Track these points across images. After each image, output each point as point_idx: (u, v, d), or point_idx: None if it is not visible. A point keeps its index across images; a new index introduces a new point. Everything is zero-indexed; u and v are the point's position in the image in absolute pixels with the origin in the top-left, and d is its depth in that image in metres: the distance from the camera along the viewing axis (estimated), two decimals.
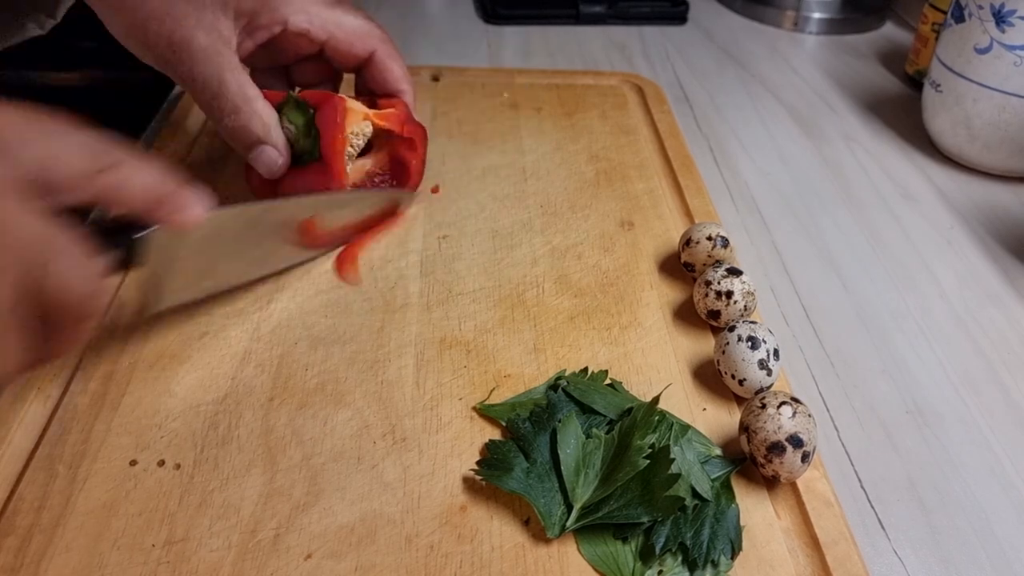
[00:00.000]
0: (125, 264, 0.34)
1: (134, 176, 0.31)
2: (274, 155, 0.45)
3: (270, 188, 0.46)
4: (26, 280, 0.27)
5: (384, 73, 0.49)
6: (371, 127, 0.47)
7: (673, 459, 0.33)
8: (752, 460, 0.35)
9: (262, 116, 0.44)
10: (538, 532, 0.33)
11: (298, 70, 0.50)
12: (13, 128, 0.28)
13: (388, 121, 0.48)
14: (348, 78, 0.52)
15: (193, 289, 0.41)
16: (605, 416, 0.37)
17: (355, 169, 0.48)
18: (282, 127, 0.45)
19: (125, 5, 0.42)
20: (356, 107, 0.46)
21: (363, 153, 0.49)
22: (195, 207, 0.34)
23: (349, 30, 0.47)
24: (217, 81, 0.42)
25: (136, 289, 0.37)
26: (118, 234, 0.33)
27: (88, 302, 0.29)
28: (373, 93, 0.50)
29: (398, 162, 0.50)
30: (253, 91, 0.44)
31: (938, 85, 0.61)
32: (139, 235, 0.34)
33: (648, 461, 0.33)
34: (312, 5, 0.46)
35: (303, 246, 0.46)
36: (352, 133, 0.46)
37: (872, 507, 0.37)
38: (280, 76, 0.51)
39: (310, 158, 0.46)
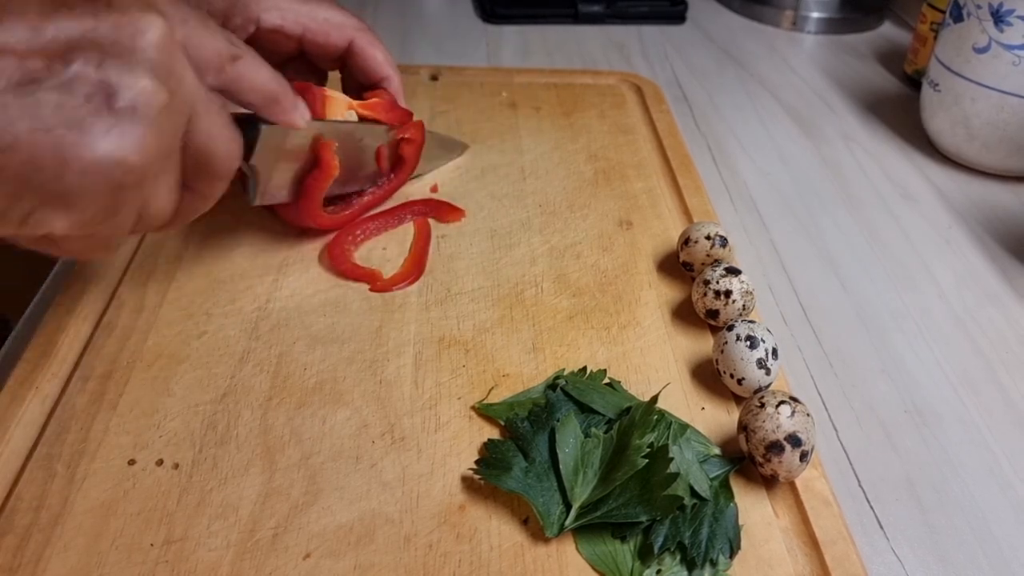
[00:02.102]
0: (244, 154, 0.38)
1: (258, 70, 0.35)
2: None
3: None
4: (186, 126, 0.31)
5: (366, 61, 0.49)
6: (356, 116, 0.47)
7: (672, 458, 0.33)
8: (751, 459, 0.35)
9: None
10: (537, 531, 0.33)
11: (282, 74, 0.50)
12: (175, 9, 0.30)
13: (373, 110, 0.48)
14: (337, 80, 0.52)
15: (287, 192, 0.45)
16: (604, 415, 0.37)
17: None
18: None
19: None
20: (338, 96, 0.46)
21: None
22: (303, 110, 0.39)
23: (323, 20, 0.47)
24: None
25: (241, 180, 0.41)
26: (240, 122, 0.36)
27: (228, 160, 0.34)
28: (361, 87, 0.50)
29: (402, 159, 0.51)
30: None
31: (937, 85, 0.61)
32: (258, 125, 0.39)
33: (647, 460, 0.33)
34: (283, 1, 0.46)
35: (380, 170, 0.50)
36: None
37: (870, 506, 0.37)
38: None
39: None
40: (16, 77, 0.26)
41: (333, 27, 0.48)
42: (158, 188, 0.31)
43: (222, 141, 0.33)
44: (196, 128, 0.32)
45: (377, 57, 0.49)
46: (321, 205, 0.46)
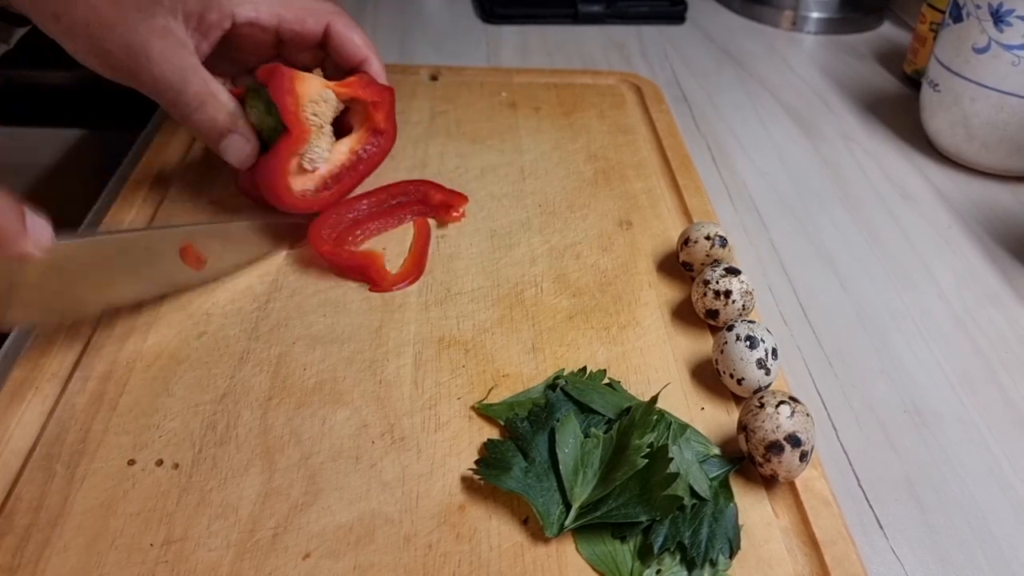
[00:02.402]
0: None
1: None
2: (241, 142, 0.45)
3: (256, 187, 0.47)
4: None
5: (344, 44, 0.49)
6: (333, 95, 0.47)
7: (671, 458, 0.33)
8: (750, 459, 0.35)
9: (227, 106, 0.45)
10: (536, 531, 0.33)
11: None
12: None
13: (350, 88, 0.48)
14: None
15: (50, 310, 0.39)
16: (603, 415, 0.37)
17: (338, 151, 0.48)
18: (247, 117, 0.46)
19: (76, 25, 0.42)
20: (311, 77, 0.46)
21: (345, 134, 0.49)
22: (34, 239, 0.33)
23: (298, 8, 0.48)
24: (180, 79, 0.43)
25: None
26: None
27: None
28: (343, 75, 0.50)
29: (376, 132, 0.50)
30: (215, 85, 0.45)
31: (936, 85, 0.61)
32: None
33: (646, 460, 0.33)
34: None
35: (196, 270, 0.43)
36: (312, 101, 0.46)
37: (870, 506, 0.37)
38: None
39: (278, 134, 0.45)
40: None
41: (308, 13, 0.48)
42: None
43: None
44: None
45: (355, 40, 0.49)
46: (288, 185, 0.46)
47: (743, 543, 0.32)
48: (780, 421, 0.33)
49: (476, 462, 0.35)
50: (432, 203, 0.51)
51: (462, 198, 0.52)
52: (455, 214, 0.51)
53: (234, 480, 0.34)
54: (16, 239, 0.32)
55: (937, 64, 0.61)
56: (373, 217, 0.50)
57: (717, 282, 0.42)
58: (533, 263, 0.47)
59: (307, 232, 0.47)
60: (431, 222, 0.50)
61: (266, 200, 0.47)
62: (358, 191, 0.51)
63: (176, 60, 0.43)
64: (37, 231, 0.33)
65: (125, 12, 0.42)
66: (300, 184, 0.47)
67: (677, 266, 0.47)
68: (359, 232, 0.49)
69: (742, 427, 0.35)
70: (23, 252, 0.33)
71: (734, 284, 0.41)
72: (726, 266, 0.42)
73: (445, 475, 0.35)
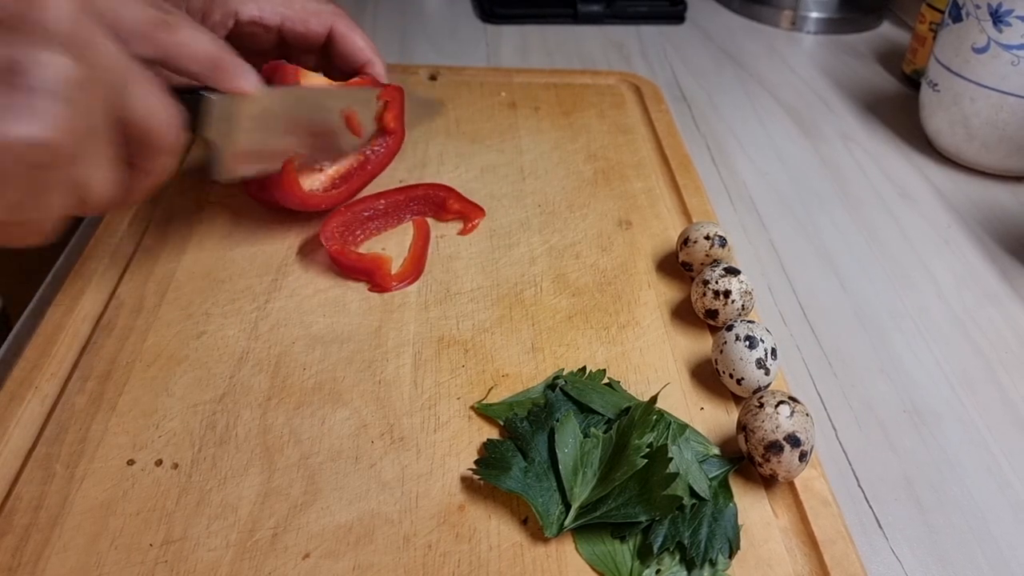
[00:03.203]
0: (191, 127, 0.36)
1: (194, 39, 0.34)
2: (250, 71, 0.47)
3: (264, 190, 0.46)
4: (112, 100, 0.29)
5: (347, 46, 0.49)
6: None
7: (671, 458, 0.33)
8: (750, 459, 0.35)
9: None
10: (536, 531, 0.33)
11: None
12: None
13: (357, 87, 0.48)
14: None
15: (253, 164, 0.43)
16: (603, 415, 0.37)
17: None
18: None
19: None
20: (314, 76, 0.46)
21: None
22: (251, 76, 0.37)
23: (300, 8, 0.48)
24: None
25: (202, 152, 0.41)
26: (184, 95, 0.35)
27: (167, 133, 0.31)
28: (345, 77, 0.50)
29: (384, 132, 0.50)
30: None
31: (936, 84, 0.61)
32: (203, 94, 0.37)
33: (646, 460, 0.33)
34: None
35: (353, 134, 0.48)
36: None
37: (870, 506, 0.37)
38: None
39: None
40: None
41: (311, 14, 0.48)
42: (92, 168, 0.29)
43: (157, 113, 0.31)
44: (126, 102, 0.29)
45: (357, 41, 0.49)
46: (298, 182, 0.46)
47: (742, 543, 0.32)
48: (779, 421, 0.34)
49: (476, 462, 0.35)
50: (448, 210, 0.51)
51: (479, 211, 0.51)
52: (468, 226, 0.50)
53: (233, 480, 0.34)
54: (237, 72, 0.37)
55: (936, 64, 0.61)
56: (376, 216, 0.50)
57: (716, 282, 0.42)
58: (533, 263, 0.47)
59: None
60: (430, 221, 0.50)
61: (274, 199, 0.47)
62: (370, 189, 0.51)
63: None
64: (249, 72, 0.38)
65: None
66: (308, 183, 0.47)
67: (676, 266, 0.47)
68: (359, 232, 0.49)
69: (741, 427, 0.35)
70: (241, 86, 0.37)
71: (733, 284, 0.41)
72: (725, 266, 0.42)
73: (444, 475, 0.35)
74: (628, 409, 0.36)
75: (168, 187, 0.52)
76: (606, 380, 0.39)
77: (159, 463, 0.35)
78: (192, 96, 0.37)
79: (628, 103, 0.66)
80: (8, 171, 0.26)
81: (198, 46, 0.34)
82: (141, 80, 0.30)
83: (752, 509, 0.34)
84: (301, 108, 0.44)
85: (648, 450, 0.34)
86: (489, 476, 0.34)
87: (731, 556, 0.32)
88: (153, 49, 0.32)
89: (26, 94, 0.26)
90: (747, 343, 0.38)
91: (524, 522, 0.33)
